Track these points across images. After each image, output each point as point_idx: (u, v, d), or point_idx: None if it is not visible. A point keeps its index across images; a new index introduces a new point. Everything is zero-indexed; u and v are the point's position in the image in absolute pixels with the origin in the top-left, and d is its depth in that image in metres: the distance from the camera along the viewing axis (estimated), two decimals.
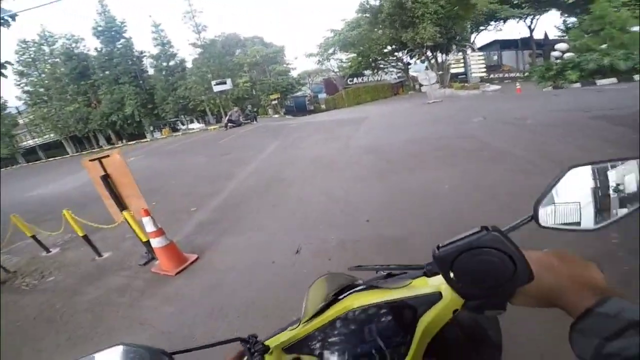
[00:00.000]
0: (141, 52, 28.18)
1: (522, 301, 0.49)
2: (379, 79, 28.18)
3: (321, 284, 0.79)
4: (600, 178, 0.53)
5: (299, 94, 30.01)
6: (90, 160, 3.79)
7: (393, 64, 27.61)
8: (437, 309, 0.58)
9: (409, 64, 26.98)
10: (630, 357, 0.33)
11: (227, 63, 27.85)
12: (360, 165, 6.69)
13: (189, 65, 28.57)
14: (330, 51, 28.45)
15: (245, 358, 0.65)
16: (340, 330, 0.65)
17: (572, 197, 0.54)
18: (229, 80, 26.33)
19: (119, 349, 0.54)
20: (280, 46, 33.19)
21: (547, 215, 0.55)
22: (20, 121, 32.23)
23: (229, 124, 21.90)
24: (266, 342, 0.67)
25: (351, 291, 0.68)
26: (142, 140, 27.73)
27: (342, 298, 0.67)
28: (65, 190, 11.35)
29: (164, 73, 27.32)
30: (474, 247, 0.47)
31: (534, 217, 0.55)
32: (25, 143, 33.54)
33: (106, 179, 3.79)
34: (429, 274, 0.57)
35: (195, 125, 27.88)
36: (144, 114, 27.09)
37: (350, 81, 27.79)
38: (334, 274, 0.83)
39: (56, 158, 29.51)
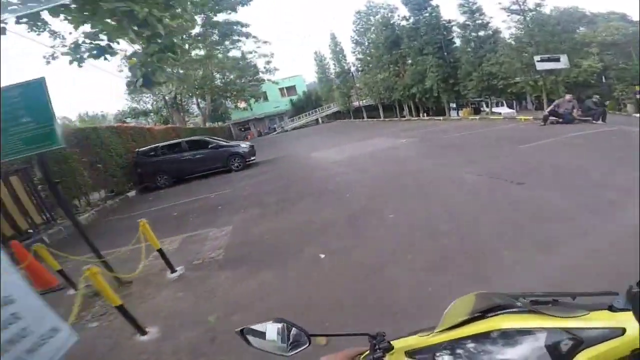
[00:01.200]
0: (449, 21, 24.42)
1: None
2: None
3: (469, 300, 0.75)
4: None
5: None
6: None
7: None
8: (611, 345, 0.52)
9: None
10: None
11: (562, 38, 19.92)
12: None
13: (502, 35, 22.45)
14: None
15: (367, 352, 0.69)
16: (475, 348, 0.61)
17: None
18: (564, 57, 18.32)
19: (280, 324, 0.76)
20: None
21: None
22: (358, 84, 39.17)
23: (551, 118, 14.26)
24: (392, 342, 0.68)
25: (503, 311, 0.63)
26: (436, 118, 25.47)
27: (491, 316, 0.63)
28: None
29: (471, 45, 22.38)
30: None
31: None
32: (354, 103, 41.46)
33: None
34: (615, 309, 0.55)
35: (504, 110, 21.77)
36: (442, 89, 23.92)
37: None
38: (488, 293, 0.77)
39: (375, 119, 33.97)
